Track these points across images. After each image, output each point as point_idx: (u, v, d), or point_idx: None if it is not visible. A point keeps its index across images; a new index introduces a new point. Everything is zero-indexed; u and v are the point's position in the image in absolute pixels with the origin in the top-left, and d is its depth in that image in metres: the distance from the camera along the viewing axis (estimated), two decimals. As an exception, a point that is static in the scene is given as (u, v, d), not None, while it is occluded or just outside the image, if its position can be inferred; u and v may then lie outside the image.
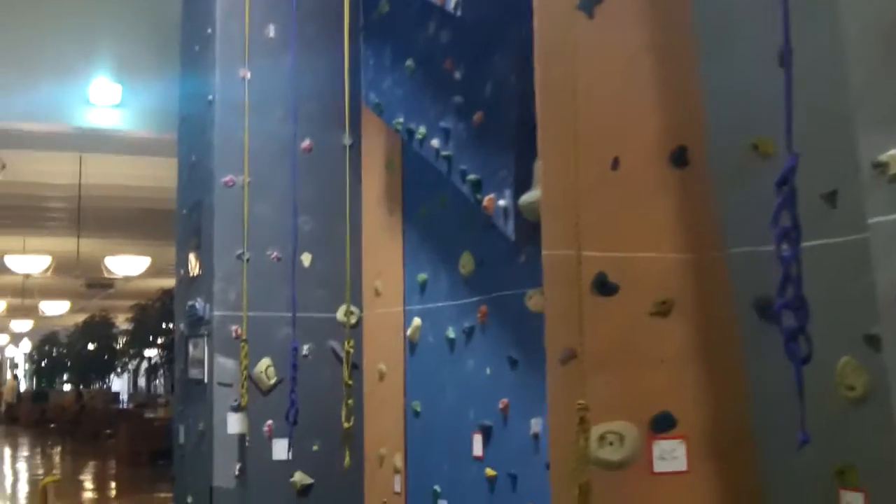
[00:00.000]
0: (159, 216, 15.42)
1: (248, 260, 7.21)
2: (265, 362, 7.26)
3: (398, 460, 6.82)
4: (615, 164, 3.86)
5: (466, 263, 6.10)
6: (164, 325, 20.51)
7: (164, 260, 16.99)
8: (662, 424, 3.74)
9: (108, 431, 20.93)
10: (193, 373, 7.62)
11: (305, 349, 7.39)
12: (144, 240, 16.65)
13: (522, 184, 5.14)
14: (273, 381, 7.28)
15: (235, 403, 7.17)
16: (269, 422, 7.25)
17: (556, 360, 3.84)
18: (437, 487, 6.35)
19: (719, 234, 3.80)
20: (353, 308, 7.43)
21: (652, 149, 3.88)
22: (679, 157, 3.84)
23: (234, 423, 7.18)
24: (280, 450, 7.26)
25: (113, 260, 15.93)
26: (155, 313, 20.17)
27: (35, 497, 13.28)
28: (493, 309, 5.83)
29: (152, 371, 21.45)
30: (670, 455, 3.72)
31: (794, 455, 3.60)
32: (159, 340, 21.84)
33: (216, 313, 7.22)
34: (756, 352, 3.72)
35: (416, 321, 6.67)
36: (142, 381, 44.11)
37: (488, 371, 5.85)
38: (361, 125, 7.43)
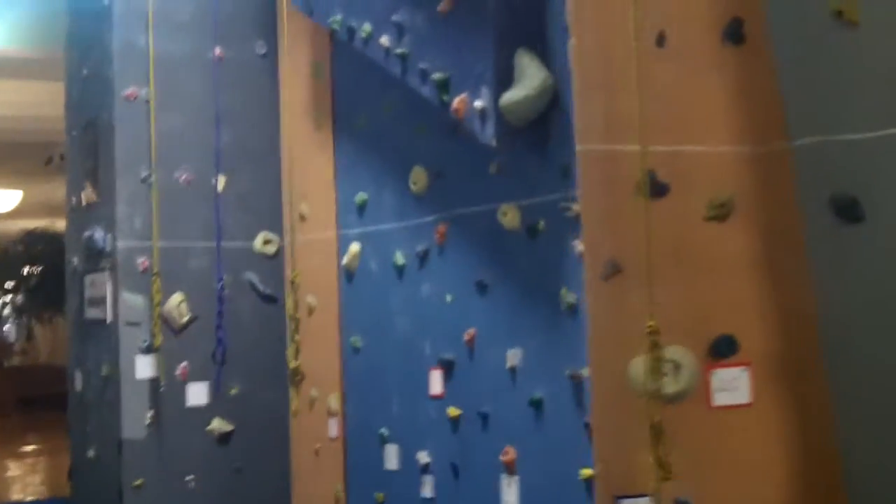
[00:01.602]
0: (26, 149, 14.21)
1: (154, 182, 6.35)
2: (177, 297, 6.46)
3: (334, 402, 6.12)
4: (660, 40, 3.21)
5: (418, 179, 5.40)
6: (26, 270, 19.15)
7: (31, 197, 15.76)
8: (723, 349, 3.15)
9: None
10: (92, 312, 6.76)
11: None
12: (9, 175, 15.35)
13: (502, 80, 4.46)
14: (186, 318, 6.48)
15: (145, 345, 6.37)
16: (184, 364, 6.47)
17: (596, 276, 3.21)
18: (384, 430, 5.69)
19: (784, 122, 3.19)
20: (271, 235, 6.71)
21: (703, 22, 3.25)
22: (734, 32, 3.21)
23: (145, 367, 6.38)
24: (196, 395, 6.51)
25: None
26: (17, 256, 18.78)
27: None
28: (455, 228, 5.16)
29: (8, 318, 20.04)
30: (732, 385, 3.13)
31: (875, 379, 3.08)
32: (15, 286, 20.31)
33: (120, 244, 6.37)
34: (827, 259, 3.14)
35: (354, 247, 5.95)
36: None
37: (448, 298, 5.19)
38: (280, 29, 6.60)
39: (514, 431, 4.75)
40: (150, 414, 6.36)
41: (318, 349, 6.32)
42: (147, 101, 6.43)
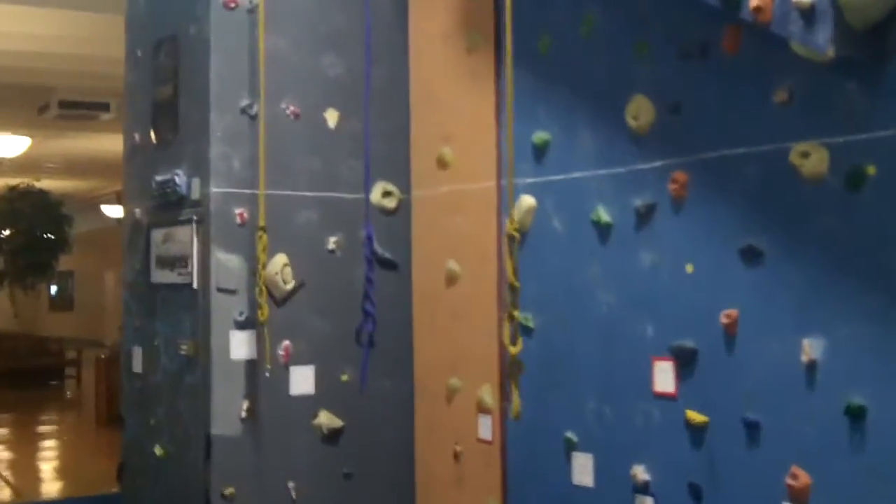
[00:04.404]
0: (16, 92, 12.67)
1: (262, 113, 5.05)
2: (280, 259, 5.18)
3: (487, 395, 4.88)
4: None
5: (641, 112, 4.16)
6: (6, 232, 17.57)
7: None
8: None
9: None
10: (165, 275, 5.45)
11: (332, 242, 5.33)
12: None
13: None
14: (291, 284, 5.20)
15: (242, 318, 5.07)
16: (286, 343, 5.18)
17: None
18: (571, 435, 4.46)
19: None
20: (391, 187, 5.46)
21: None
22: None
23: (241, 346, 5.09)
24: (301, 381, 5.24)
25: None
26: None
27: None
28: (703, 177, 3.92)
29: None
30: None
31: None
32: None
33: (213, 190, 5.05)
34: None
35: (527, 200, 4.69)
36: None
37: (689, 269, 3.96)
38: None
39: (807, 448, 3.55)
40: (245, 405, 5.07)
41: (461, 328, 5.08)
42: (250, 11, 5.12)
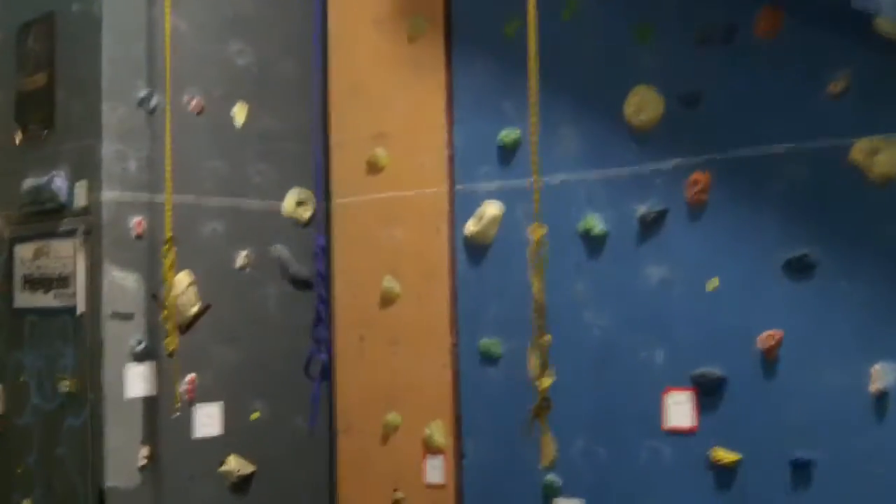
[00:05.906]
0: None
1: (168, 106, 4.23)
2: (184, 278, 4.38)
3: (437, 433, 4.23)
4: None
5: (646, 105, 3.63)
6: None
7: None
8: None
9: None
10: (34, 298, 4.55)
11: (241, 257, 4.57)
12: None
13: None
14: (195, 308, 4.41)
15: (140, 348, 4.24)
16: (190, 376, 4.38)
17: None
18: (552, 478, 3.86)
19: None
20: (306, 193, 4.77)
21: None
22: None
23: (138, 381, 4.26)
24: (206, 421, 4.45)
25: None
26: None
27: None
28: (733, 178, 3.43)
29: None
30: None
31: None
32: None
33: (106, 196, 4.21)
34: None
35: (491, 209, 4.08)
36: None
37: (711, 285, 3.45)
38: None
39: (875, 491, 3.07)
40: (144, 451, 4.24)
41: (401, 355, 4.42)
42: (149, -13, 4.33)
